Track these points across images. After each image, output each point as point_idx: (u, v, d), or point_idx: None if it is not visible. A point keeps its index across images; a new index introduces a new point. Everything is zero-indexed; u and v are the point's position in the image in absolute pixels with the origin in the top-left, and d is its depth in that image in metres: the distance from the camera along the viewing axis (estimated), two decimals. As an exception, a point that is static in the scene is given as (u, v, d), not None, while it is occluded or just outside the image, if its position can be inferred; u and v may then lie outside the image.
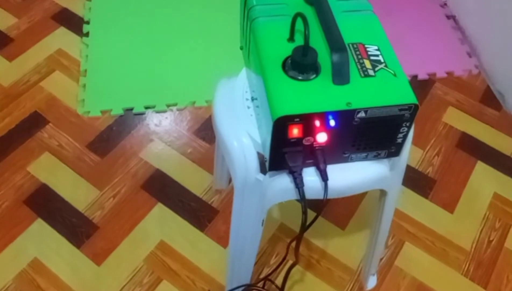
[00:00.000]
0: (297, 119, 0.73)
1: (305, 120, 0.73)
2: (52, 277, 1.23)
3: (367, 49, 0.83)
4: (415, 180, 1.43)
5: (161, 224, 1.32)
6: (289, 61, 0.77)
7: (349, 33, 0.82)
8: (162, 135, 1.49)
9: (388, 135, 0.79)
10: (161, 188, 1.38)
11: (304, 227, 0.82)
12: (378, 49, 0.83)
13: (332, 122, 0.74)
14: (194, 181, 1.40)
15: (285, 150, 0.77)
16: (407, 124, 0.77)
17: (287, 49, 0.78)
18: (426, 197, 1.40)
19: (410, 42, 1.77)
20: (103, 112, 1.54)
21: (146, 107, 1.55)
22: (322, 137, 0.76)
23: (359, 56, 0.81)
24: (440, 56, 1.75)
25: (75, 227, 1.31)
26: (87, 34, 1.72)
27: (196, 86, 1.61)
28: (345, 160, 0.82)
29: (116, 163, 1.43)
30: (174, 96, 1.58)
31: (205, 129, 1.50)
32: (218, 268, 1.24)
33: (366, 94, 0.75)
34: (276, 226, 1.32)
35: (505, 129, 1.56)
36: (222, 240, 1.29)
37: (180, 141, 1.48)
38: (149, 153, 1.45)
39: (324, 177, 0.79)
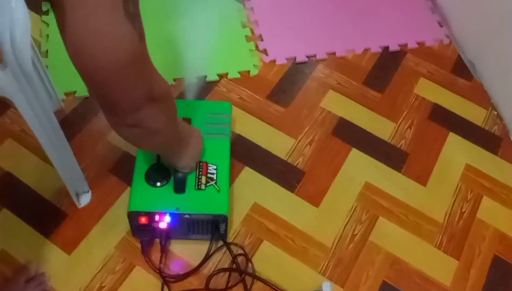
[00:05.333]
0: (143, 213, 1.13)
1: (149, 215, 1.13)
2: (21, 268, 1.19)
3: (208, 167, 1.17)
4: (388, 154, 1.43)
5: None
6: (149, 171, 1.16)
7: (202, 153, 1.17)
8: (129, 116, 1.44)
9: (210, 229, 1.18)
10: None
11: None
12: (216, 169, 1.17)
13: (167, 218, 1.13)
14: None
15: (140, 228, 1.16)
16: (223, 223, 1.15)
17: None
18: (399, 171, 1.40)
19: (381, 13, 1.75)
20: (67, 94, 1.48)
21: (112, 88, 1.50)
22: (163, 225, 1.14)
23: (201, 172, 1.16)
24: (411, 26, 1.73)
25: (43, 216, 1.27)
26: (46, 12, 1.65)
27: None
28: None
29: (82, 148, 1.38)
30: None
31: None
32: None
33: (192, 203, 1.12)
34: (249, 206, 1.30)
35: (476, 99, 1.56)
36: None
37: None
38: (117, 135, 1.41)
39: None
